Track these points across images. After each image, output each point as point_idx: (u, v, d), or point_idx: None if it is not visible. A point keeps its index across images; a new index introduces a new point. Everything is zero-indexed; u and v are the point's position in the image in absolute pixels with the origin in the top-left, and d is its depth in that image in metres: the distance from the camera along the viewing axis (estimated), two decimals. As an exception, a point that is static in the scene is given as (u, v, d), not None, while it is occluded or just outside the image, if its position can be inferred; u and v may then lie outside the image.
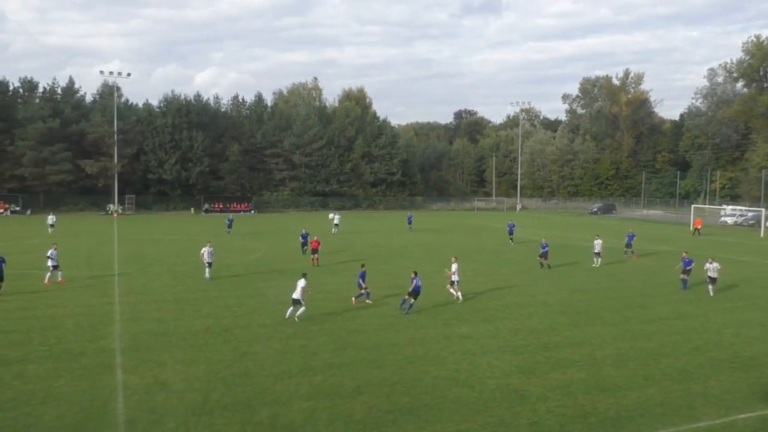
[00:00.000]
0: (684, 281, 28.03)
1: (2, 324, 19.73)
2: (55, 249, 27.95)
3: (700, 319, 22.00)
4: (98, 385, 14.34)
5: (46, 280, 26.89)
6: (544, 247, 33.52)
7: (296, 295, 20.74)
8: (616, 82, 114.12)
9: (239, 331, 19.28)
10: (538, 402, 13.68)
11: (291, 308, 20.91)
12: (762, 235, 57.18)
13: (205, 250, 28.76)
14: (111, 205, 77.73)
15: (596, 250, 34.86)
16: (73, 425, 12.19)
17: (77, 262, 32.03)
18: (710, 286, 26.58)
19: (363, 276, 23.77)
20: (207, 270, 28.74)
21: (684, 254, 29.69)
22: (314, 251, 34.31)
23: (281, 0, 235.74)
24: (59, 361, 15.98)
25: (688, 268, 28.06)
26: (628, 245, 38.28)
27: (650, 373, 15.75)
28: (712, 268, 26.71)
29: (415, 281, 22.31)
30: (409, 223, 58.22)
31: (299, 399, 13.68)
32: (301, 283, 20.88)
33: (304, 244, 37.73)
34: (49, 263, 27.28)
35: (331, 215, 53.76)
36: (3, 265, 24.06)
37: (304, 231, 38.89)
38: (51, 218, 49.92)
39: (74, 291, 25.34)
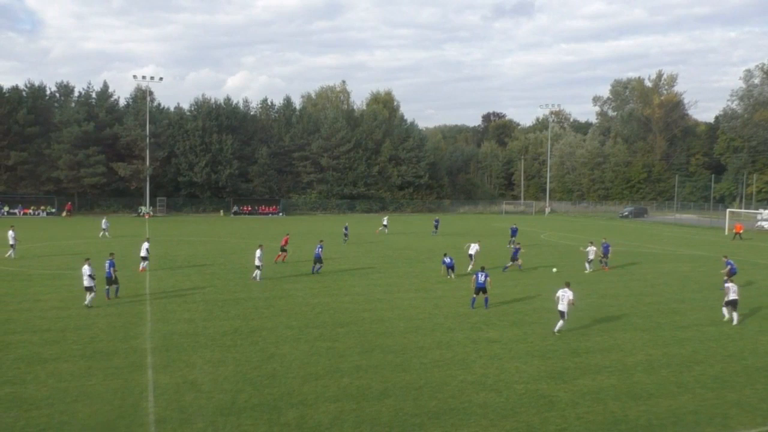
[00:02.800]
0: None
1: (38, 323, 20.23)
2: (147, 242, 32.44)
3: (735, 326, 21.45)
4: (129, 384, 14.58)
5: (141, 268, 31.34)
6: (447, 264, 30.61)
7: (562, 307, 19.53)
8: (648, 83, 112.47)
9: (267, 333, 19.44)
10: (567, 408, 13.49)
11: (560, 322, 19.63)
12: (800, 240, 55.55)
13: (257, 252, 29.27)
14: (143, 207, 79.19)
15: (590, 258, 33.33)
16: (104, 423, 12.42)
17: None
18: (728, 310, 21.70)
19: None
20: (257, 272, 29.12)
21: (724, 258, 29.92)
22: (283, 248, 34.66)
23: (313, 4, 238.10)
24: (92, 360, 16.30)
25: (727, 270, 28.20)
26: (605, 255, 34.87)
27: (683, 381, 15.42)
28: (732, 289, 21.59)
29: (476, 276, 23.50)
30: (436, 227, 56.05)
31: (326, 401, 13.72)
32: (569, 294, 19.59)
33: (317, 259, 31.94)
34: (143, 253, 31.52)
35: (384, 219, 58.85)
36: (113, 269, 24.45)
37: (319, 245, 32.57)
38: (105, 222, 49.96)
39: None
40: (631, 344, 18.74)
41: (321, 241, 34.04)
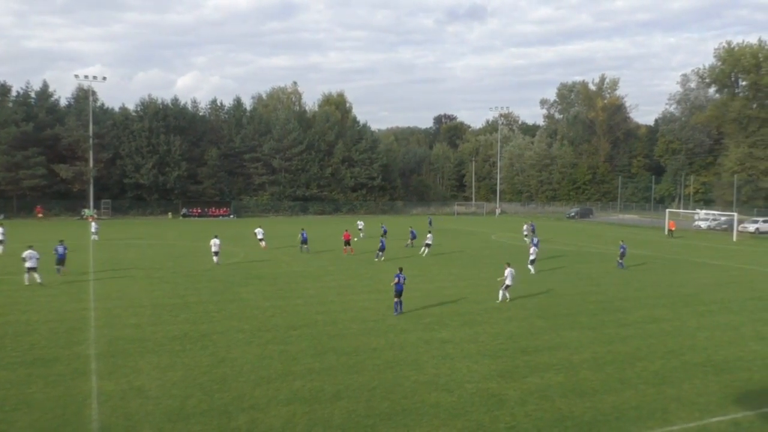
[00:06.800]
0: (619, 263, 36.20)
1: (-27, 331, 19.33)
2: (261, 228, 44.03)
3: (675, 322, 22.34)
4: (72, 391, 14.11)
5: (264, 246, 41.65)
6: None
7: None
8: (592, 87, 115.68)
9: (217, 337, 19.13)
10: (516, 406, 13.78)
11: None
12: (734, 239, 58.29)
13: (213, 241, 35.20)
14: (86, 210, 76.58)
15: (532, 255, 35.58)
16: (46, 431, 11.99)
17: (52, 267, 31.47)
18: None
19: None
20: (215, 257, 34.70)
21: (621, 242, 37.70)
22: (347, 243, 41.18)
23: (266, 5, 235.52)
24: (32, 368, 15.70)
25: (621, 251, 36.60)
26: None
27: (626, 377, 15.95)
28: (509, 274, 25.19)
29: (397, 278, 22.64)
30: (430, 224, 62.87)
31: (278, 404, 13.60)
32: None
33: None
34: (260, 236, 42.66)
35: (359, 222, 58.45)
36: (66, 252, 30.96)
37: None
38: (94, 226, 49.34)
39: (49, 296, 24.92)
40: (577, 342, 19.27)
41: (383, 227, 43.93)
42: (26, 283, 27.20)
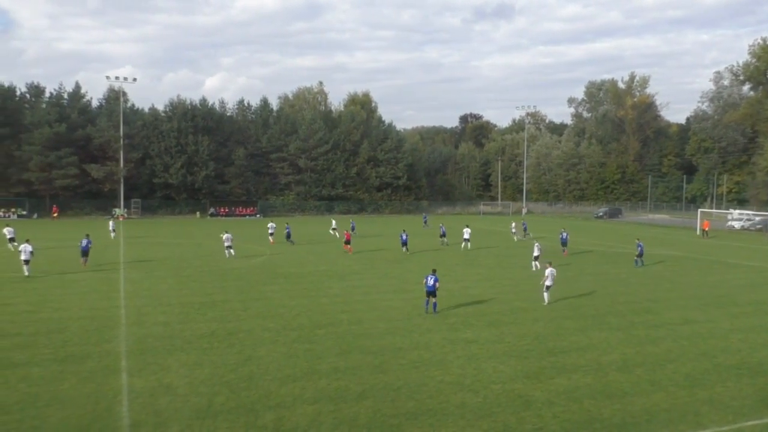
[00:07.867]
0: (636, 261, 36.53)
1: (8, 327, 19.80)
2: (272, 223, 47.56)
3: (707, 324, 21.86)
4: (103, 388, 14.35)
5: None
6: None
7: None
8: (621, 85, 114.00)
9: (244, 335, 19.29)
10: (543, 407, 13.61)
11: None
12: (769, 239, 56.84)
13: (225, 236, 37.15)
14: (117, 209, 77.99)
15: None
16: (77, 428, 12.20)
17: (73, 259, 32.18)
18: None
19: None
20: (227, 251, 36.94)
21: (637, 240, 38.41)
22: (347, 242, 41.12)
23: (292, 5, 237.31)
24: (64, 364, 16.02)
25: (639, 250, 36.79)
26: (564, 244, 41.96)
27: (656, 379, 15.64)
28: (549, 274, 24.65)
29: (425, 280, 22.62)
30: (425, 221, 67.19)
31: (303, 403, 13.65)
32: None
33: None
34: (271, 231, 46.43)
35: (333, 221, 58.26)
36: (90, 245, 33.18)
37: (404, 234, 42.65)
38: (112, 224, 51.46)
39: (80, 294, 25.42)
40: (606, 343, 18.97)
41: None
42: (26, 274, 29.17)
